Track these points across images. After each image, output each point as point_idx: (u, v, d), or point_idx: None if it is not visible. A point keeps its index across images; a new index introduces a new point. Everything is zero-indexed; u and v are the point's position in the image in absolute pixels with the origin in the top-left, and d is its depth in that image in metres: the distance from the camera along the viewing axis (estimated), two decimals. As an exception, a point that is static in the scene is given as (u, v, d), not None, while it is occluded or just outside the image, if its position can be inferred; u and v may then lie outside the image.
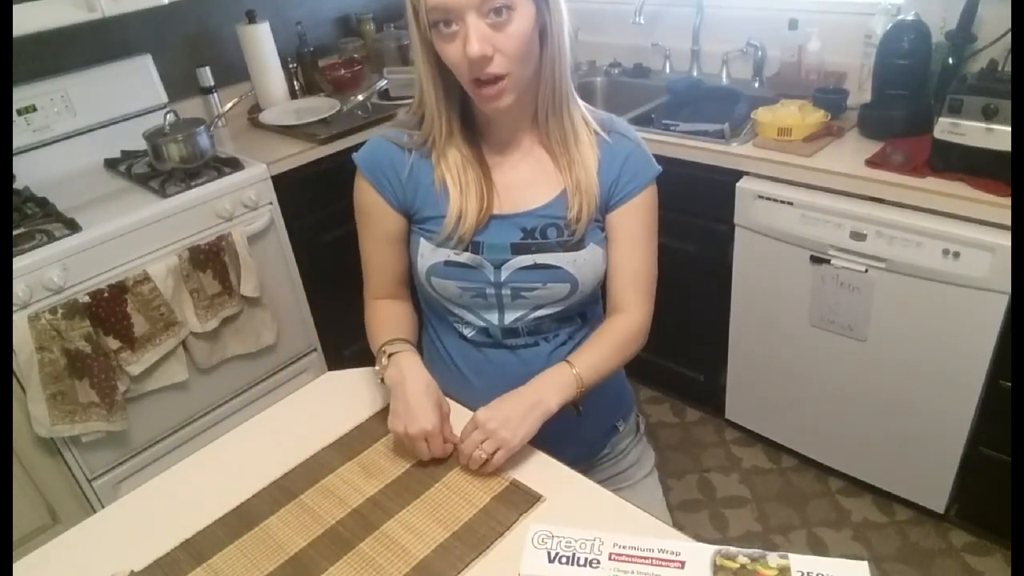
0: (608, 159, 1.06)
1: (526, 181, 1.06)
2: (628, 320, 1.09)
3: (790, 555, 0.72)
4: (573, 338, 1.13)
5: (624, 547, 0.75)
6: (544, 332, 1.11)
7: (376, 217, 1.09)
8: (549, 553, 0.75)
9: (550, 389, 0.99)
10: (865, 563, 0.71)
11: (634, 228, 1.08)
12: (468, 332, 1.13)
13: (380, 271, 1.15)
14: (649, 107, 2.21)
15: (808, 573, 0.70)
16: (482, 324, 1.10)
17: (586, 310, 1.14)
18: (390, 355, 1.05)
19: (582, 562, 0.74)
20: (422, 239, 1.07)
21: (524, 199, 1.05)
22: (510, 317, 1.09)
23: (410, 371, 1.02)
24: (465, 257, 1.04)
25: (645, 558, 0.74)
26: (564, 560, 0.74)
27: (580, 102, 1.06)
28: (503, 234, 1.04)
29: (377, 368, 1.07)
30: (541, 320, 1.09)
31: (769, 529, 1.93)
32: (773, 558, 0.72)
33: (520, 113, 1.02)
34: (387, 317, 1.14)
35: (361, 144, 1.12)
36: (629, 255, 1.08)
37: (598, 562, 0.74)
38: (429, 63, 0.96)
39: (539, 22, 0.93)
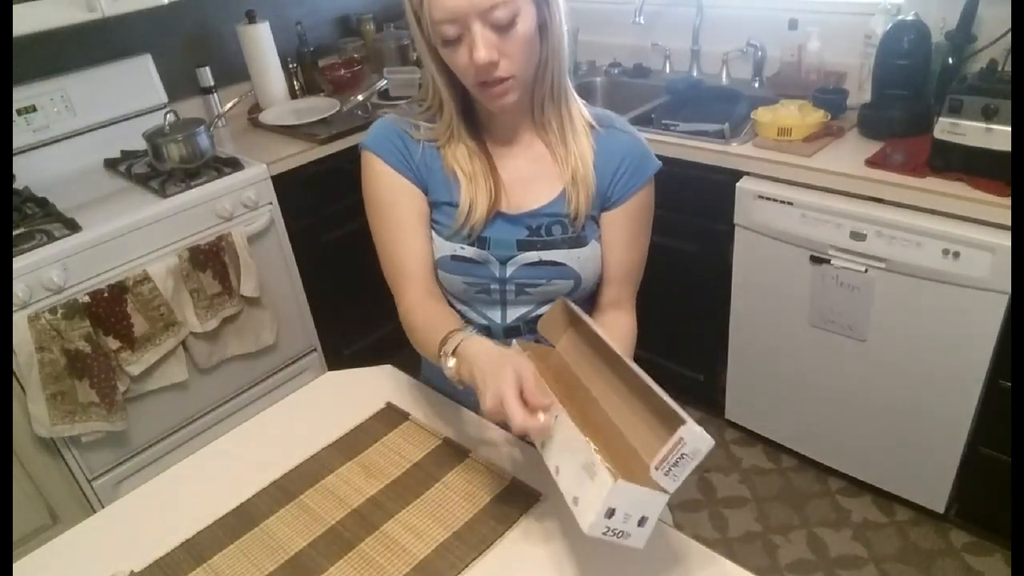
0: (606, 151, 1.06)
1: (529, 178, 1.06)
2: (632, 319, 1.14)
3: None
4: None
5: None
6: None
7: (402, 199, 1.05)
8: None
9: None
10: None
11: (631, 228, 1.09)
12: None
13: (417, 262, 1.06)
14: (649, 107, 2.21)
15: None
16: (484, 322, 1.10)
17: (586, 308, 1.14)
18: (453, 351, 0.90)
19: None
20: (432, 231, 1.07)
21: (528, 198, 1.06)
22: (512, 315, 1.09)
23: (478, 351, 0.86)
24: (472, 252, 1.05)
25: None
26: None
27: (577, 98, 1.07)
28: (510, 231, 1.05)
29: (449, 371, 0.91)
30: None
31: (769, 529, 1.93)
32: None
33: (521, 108, 1.03)
34: (439, 314, 1.02)
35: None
36: (626, 253, 1.10)
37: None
38: (436, 61, 0.97)
39: (539, 19, 0.94)
